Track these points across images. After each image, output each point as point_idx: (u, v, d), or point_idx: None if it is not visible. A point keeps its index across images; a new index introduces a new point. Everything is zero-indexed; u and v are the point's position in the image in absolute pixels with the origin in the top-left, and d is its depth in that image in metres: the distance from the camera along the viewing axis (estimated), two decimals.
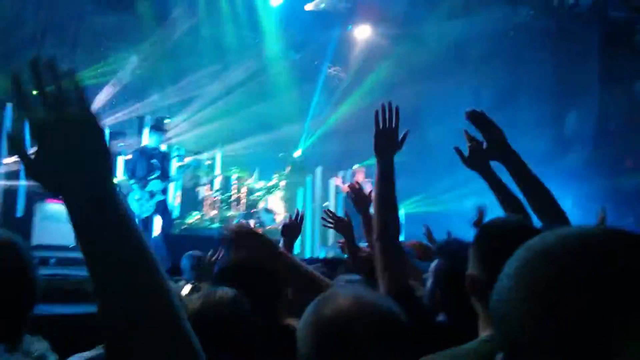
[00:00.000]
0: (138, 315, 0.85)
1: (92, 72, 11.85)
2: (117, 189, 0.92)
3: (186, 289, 4.64)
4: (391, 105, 2.49)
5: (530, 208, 2.32)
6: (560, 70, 14.79)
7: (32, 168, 0.92)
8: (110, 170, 0.93)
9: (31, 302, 1.72)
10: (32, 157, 0.91)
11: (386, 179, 2.39)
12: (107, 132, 0.94)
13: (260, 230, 10.66)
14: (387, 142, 2.44)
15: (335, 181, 12.83)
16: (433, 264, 2.33)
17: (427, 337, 1.95)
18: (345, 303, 1.29)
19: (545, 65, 14.89)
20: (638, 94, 14.81)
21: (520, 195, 2.37)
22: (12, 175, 9.50)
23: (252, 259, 2.38)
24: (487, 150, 2.40)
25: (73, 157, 0.89)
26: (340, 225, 4.16)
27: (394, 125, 2.48)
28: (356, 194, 3.89)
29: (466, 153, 2.55)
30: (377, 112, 2.48)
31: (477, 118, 2.35)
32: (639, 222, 12.75)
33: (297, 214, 3.84)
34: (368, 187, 12.23)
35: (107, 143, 0.93)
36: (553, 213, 2.22)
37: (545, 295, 0.69)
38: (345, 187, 11.74)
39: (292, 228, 3.80)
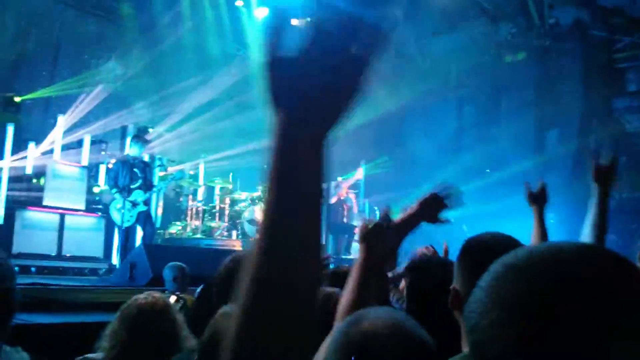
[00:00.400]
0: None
1: (74, 81, 11.80)
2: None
3: (171, 300, 4.62)
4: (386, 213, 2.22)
5: (585, 232, 2.65)
6: (541, 88, 14.96)
7: (278, 65, 0.83)
8: (339, 121, 0.86)
9: (8, 312, 1.69)
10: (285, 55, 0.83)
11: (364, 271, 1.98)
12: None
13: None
14: (377, 246, 2.05)
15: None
16: (403, 282, 2.33)
17: None
18: (379, 324, 1.31)
19: (526, 83, 15.06)
20: (618, 111, 15.01)
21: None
22: None
23: None
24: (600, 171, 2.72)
25: (329, 84, 0.82)
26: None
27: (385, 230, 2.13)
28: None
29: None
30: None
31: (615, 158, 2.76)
32: (620, 239, 12.87)
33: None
34: (352, 197, 12.12)
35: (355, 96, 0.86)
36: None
37: (514, 308, 0.70)
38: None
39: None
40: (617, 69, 14.89)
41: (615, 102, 15.04)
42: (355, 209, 12.53)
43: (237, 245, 10.81)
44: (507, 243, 1.71)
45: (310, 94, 0.81)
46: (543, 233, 2.94)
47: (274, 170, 0.80)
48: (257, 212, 11.94)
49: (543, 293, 0.69)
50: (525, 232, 2.97)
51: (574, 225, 4.17)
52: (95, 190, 11.04)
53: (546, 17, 14.45)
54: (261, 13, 13.99)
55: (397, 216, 2.23)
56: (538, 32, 14.70)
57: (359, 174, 13.02)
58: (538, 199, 3.08)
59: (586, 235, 2.64)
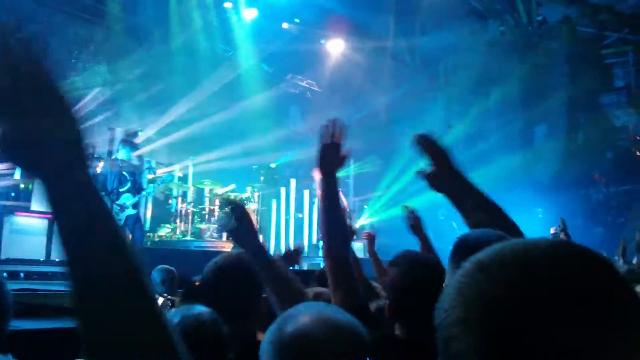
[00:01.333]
0: (113, 303, 0.82)
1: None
2: (85, 151, 0.87)
3: (159, 302, 4.60)
4: (337, 122, 2.38)
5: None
6: (530, 85, 15.04)
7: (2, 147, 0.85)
8: (77, 132, 0.87)
9: (1, 319, 1.67)
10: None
11: (331, 195, 2.31)
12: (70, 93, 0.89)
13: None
14: (331, 158, 2.34)
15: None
16: (389, 277, 2.32)
17: (382, 350, 1.96)
18: (308, 321, 1.29)
19: (514, 80, 15.14)
20: (606, 107, 15.12)
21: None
22: None
23: (229, 271, 2.34)
24: (434, 173, 2.31)
25: (37, 121, 0.84)
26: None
27: (339, 141, 2.36)
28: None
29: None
30: (322, 128, 2.37)
31: (425, 143, 2.30)
32: (607, 232, 12.97)
33: (297, 249, 3.94)
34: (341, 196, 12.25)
35: (71, 104, 0.87)
36: (506, 227, 2.21)
37: (476, 307, 0.70)
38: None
39: (291, 259, 3.86)
40: (605, 65, 15.00)
41: (603, 97, 15.15)
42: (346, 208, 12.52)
43: (227, 247, 10.79)
44: (497, 240, 1.70)
45: (35, 150, 0.84)
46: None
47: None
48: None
49: (505, 292, 0.69)
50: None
51: (565, 218, 4.19)
52: None
53: (534, 14, 14.53)
54: (250, 14, 13.98)
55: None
56: (526, 29, 14.78)
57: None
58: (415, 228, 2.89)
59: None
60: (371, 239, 4.67)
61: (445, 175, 2.26)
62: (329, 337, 1.27)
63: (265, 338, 1.32)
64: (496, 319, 0.68)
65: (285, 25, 14.39)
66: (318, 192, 2.30)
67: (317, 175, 2.33)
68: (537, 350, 0.65)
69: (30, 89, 0.86)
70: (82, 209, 0.84)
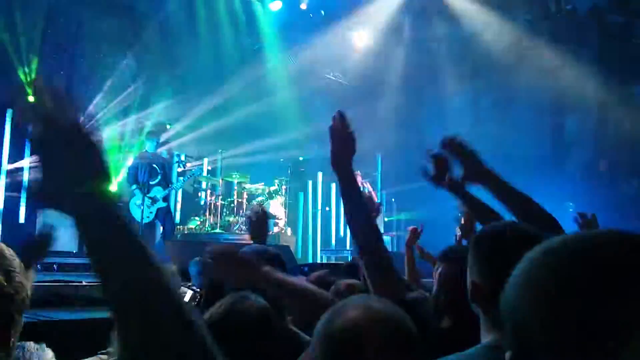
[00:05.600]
0: (148, 315, 0.86)
1: (91, 79, 11.88)
2: (116, 200, 0.95)
3: (187, 295, 4.66)
4: (340, 114, 2.29)
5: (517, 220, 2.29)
6: (559, 75, 14.81)
7: (34, 189, 0.94)
8: (107, 182, 0.94)
9: (18, 309, 1.69)
10: (34, 178, 0.93)
11: (350, 191, 2.27)
12: (103, 143, 0.95)
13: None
14: (342, 149, 2.27)
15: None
16: (437, 270, 2.33)
17: (429, 343, 1.97)
18: (356, 314, 1.31)
19: (543, 71, 14.91)
20: (637, 97, 14.83)
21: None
22: (15, 181, 9.53)
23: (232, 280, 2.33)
24: (464, 177, 2.36)
25: (67, 172, 0.91)
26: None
27: (348, 130, 2.27)
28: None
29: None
30: (331, 127, 2.29)
31: (454, 146, 2.32)
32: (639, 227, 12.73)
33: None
34: (367, 186, 12.04)
35: (102, 156, 0.95)
36: (542, 222, 2.19)
37: (552, 299, 0.71)
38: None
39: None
40: (636, 55, 14.69)
41: (636, 88, 14.85)
42: (375, 198, 12.45)
43: None
44: (519, 231, 1.70)
45: (69, 193, 0.91)
46: (480, 209, 2.52)
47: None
48: (275, 207, 11.98)
49: (582, 281, 0.70)
50: None
51: (597, 212, 4.13)
52: (114, 188, 11.12)
53: (563, 3, 14.29)
54: (276, 6, 13.97)
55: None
56: (555, 18, 14.54)
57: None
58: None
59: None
60: (415, 234, 4.54)
61: (474, 178, 2.28)
62: (377, 330, 1.29)
63: (316, 331, 1.34)
64: (576, 310, 0.69)
65: (310, 16, 14.35)
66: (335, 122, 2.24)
67: (335, 169, 2.28)
68: (622, 339, 0.66)
69: (64, 140, 0.92)
70: (113, 254, 0.91)
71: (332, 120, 2.27)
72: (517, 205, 2.29)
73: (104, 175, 0.94)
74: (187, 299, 4.54)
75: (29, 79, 10.94)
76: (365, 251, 2.25)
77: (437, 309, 2.24)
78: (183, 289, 5.07)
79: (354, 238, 2.33)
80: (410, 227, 4.75)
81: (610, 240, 0.74)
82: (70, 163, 0.91)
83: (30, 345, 1.80)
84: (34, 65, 11.08)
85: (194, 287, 5.39)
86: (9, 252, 1.67)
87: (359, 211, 2.29)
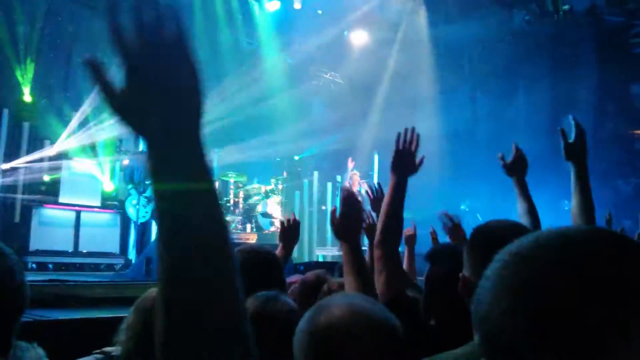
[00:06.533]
0: (200, 258, 0.81)
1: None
2: (202, 135, 0.87)
3: None
4: (413, 130, 2.59)
5: (571, 211, 2.60)
6: (557, 75, 14.83)
7: (116, 101, 0.87)
8: (200, 111, 0.88)
9: (18, 308, 1.68)
10: (118, 89, 0.87)
11: (398, 194, 2.47)
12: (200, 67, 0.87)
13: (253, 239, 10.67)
14: (404, 162, 2.53)
15: (349, 164, 12.40)
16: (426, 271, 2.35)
17: (420, 341, 1.97)
18: (340, 312, 1.30)
19: (541, 70, 14.93)
20: (635, 97, 14.86)
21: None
22: (10, 180, 9.50)
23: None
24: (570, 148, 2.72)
25: (164, 92, 0.84)
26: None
27: (413, 148, 2.56)
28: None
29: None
30: (398, 134, 2.58)
31: (578, 126, 2.78)
32: (636, 225, 12.76)
33: (291, 220, 3.79)
34: (363, 186, 12.02)
35: (199, 81, 0.88)
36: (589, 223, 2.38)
37: (521, 296, 0.70)
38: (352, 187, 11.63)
39: (290, 233, 3.78)
40: (633, 54, 14.72)
41: (632, 87, 14.88)
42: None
43: (252, 239, 10.85)
44: (515, 229, 1.71)
45: (156, 109, 0.84)
46: (529, 206, 2.88)
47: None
48: (271, 206, 11.97)
49: (553, 279, 0.68)
50: (541, 216, 2.94)
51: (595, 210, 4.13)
52: (110, 188, 11.12)
53: (560, 3, 14.31)
54: (272, 6, 13.97)
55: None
56: (552, 18, 14.57)
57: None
58: (515, 168, 3.02)
59: (575, 220, 2.60)
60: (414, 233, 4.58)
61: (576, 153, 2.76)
62: (360, 329, 1.27)
63: (299, 327, 1.33)
64: (544, 304, 0.68)
65: (307, 16, 14.34)
66: (344, 186, 2.38)
67: (391, 177, 2.51)
68: (585, 331, 0.65)
69: (166, 53, 0.86)
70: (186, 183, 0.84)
71: (341, 192, 2.46)
72: (584, 199, 2.65)
73: (198, 98, 0.88)
74: None
75: (24, 78, 10.93)
76: (383, 245, 2.37)
77: (425, 308, 2.25)
78: None
79: (380, 231, 2.42)
80: (407, 230, 4.74)
81: (584, 241, 0.72)
82: (167, 79, 0.85)
83: (22, 344, 1.78)
84: (30, 64, 11.06)
85: None
86: (6, 250, 1.66)
87: (398, 215, 2.48)
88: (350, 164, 12.30)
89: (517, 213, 2.86)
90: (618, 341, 0.65)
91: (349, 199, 2.27)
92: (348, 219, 2.23)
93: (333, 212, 2.26)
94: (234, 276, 0.83)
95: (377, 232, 2.37)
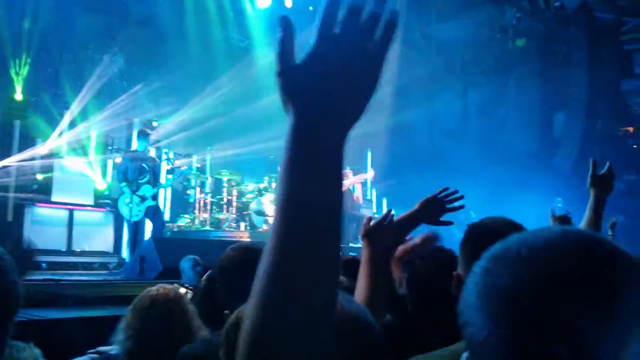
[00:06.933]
0: (310, 257, 0.80)
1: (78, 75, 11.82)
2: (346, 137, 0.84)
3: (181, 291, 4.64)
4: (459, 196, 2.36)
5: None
6: (548, 72, 14.88)
7: (289, 71, 0.86)
8: (356, 120, 0.86)
9: (12, 308, 1.67)
10: (296, 60, 0.86)
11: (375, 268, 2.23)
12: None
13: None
14: (433, 210, 2.31)
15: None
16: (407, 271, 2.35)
17: (410, 340, 1.98)
18: None
19: (533, 67, 14.98)
20: (626, 94, 14.93)
21: None
22: (2, 179, 9.47)
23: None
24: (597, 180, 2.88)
25: (340, 83, 0.83)
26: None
27: (444, 207, 2.33)
28: None
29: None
30: (445, 189, 2.36)
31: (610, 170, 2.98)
32: (629, 221, 12.84)
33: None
34: (358, 187, 11.94)
35: (372, 94, 0.86)
36: None
37: (490, 294, 0.72)
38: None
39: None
40: (624, 51, 14.79)
41: (623, 84, 14.95)
42: (360, 200, 12.48)
43: (245, 237, 10.84)
44: (508, 228, 1.71)
45: (324, 95, 0.83)
46: (595, 221, 2.93)
47: (292, 176, 0.81)
48: (265, 204, 11.96)
49: (515, 281, 0.71)
50: (533, 214, 2.99)
51: (581, 208, 4.16)
52: (102, 186, 11.10)
53: (551, 0, 14.36)
54: (263, 3, 13.94)
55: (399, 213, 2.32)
56: (543, 16, 14.61)
57: (370, 174, 12.86)
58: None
59: None
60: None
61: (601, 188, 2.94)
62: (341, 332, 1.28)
63: None
64: (510, 308, 0.69)
65: (299, 13, 14.32)
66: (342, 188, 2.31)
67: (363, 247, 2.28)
68: (552, 336, 0.67)
69: (361, 56, 0.85)
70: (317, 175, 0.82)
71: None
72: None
73: (363, 106, 0.86)
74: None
75: (19, 76, 10.89)
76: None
77: (413, 307, 2.25)
78: (175, 285, 5.05)
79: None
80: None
81: (560, 245, 0.73)
82: (349, 75, 0.83)
83: (19, 344, 1.78)
84: (22, 62, 11.02)
85: (185, 284, 5.39)
86: (1, 250, 1.65)
87: None
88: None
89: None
90: (586, 338, 0.67)
91: (389, 213, 2.23)
92: (382, 227, 2.17)
93: (369, 218, 2.23)
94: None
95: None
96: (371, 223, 2.14)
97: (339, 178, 0.84)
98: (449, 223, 2.31)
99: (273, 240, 0.81)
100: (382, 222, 2.13)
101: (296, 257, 0.80)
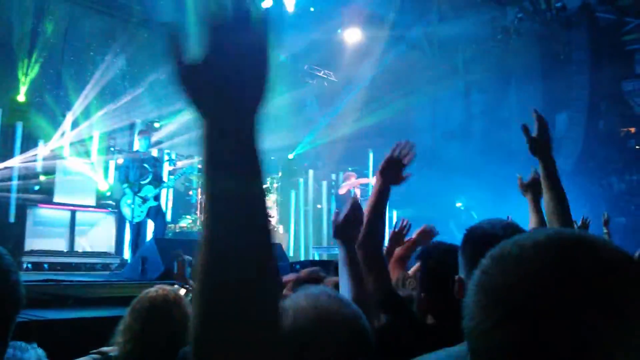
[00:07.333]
0: (241, 248, 0.81)
1: (80, 76, 11.83)
2: (257, 122, 0.88)
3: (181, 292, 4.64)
4: (410, 145, 2.58)
5: (545, 209, 2.62)
6: (550, 72, 14.87)
7: (186, 72, 0.88)
8: (259, 105, 0.89)
9: (13, 308, 1.67)
10: (191, 62, 0.88)
11: (381, 199, 2.48)
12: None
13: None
14: (391, 172, 2.52)
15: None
16: (413, 268, 2.37)
17: (414, 339, 1.98)
18: (306, 313, 1.31)
19: (534, 67, 14.97)
20: (627, 94, 14.91)
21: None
22: (4, 180, 9.49)
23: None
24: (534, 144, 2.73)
25: (236, 76, 0.86)
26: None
27: (404, 161, 2.55)
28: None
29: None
30: (396, 144, 2.58)
31: (540, 120, 2.73)
32: (630, 222, 12.83)
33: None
34: (356, 190, 11.94)
35: (267, 81, 0.90)
36: (563, 220, 2.38)
37: (491, 292, 0.74)
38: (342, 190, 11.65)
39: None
40: (625, 51, 14.77)
41: (625, 84, 14.93)
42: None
43: None
44: (507, 230, 1.71)
45: (224, 90, 0.86)
46: (540, 221, 2.98)
47: (210, 170, 0.84)
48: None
49: (518, 281, 0.72)
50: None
51: (583, 208, 4.16)
52: (104, 187, 11.10)
53: (553, 0, 14.34)
54: (267, 3, 13.93)
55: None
56: (545, 16, 14.59)
57: (373, 180, 12.75)
58: (530, 189, 3.13)
59: (550, 215, 2.63)
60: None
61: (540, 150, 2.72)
62: (319, 326, 1.28)
63: None
64: (500, 303, 0.72)
65: (300, 13, 14.31)
66: (342, 190, 2.40)
67: (376, 180, 2.53)
68: (552, 338, 0.68)
69: (249, 42, 0.89)
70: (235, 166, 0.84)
71: (398, 143, 2.56)
72: (556, 195, 2.60)
73: (262, 92, 0.89)
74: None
75: (26, 78, 10.91)
76: (364, 247, 2.33)
77: (419, 307, 2.26)
78: (175, 286, 5.05)
79: (366, 230, 2.40)
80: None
81: (550, 244, 0.75)
82: (242, 66, 0.87)
83: (22, 345, 1.79)
84: (31, 62, 11.04)
85: (184, 285, 5.38)
86: (1, 251, 1.65)
87: (380, 218, 2.47)
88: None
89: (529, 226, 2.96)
90: (590, 341, 0.68)
91: (356, 204, 2.30)
92: (351, 223, 2.26)
93: (336, 214, 2.29)
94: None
95: (360, 234, 2.39)
96: (339, 219, 2.23)
97: (256, 165, 0.86)
98: (409, 175, 2.56)
99: (201, 234, 0.83)
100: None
101: (224, 250, 0.81)
